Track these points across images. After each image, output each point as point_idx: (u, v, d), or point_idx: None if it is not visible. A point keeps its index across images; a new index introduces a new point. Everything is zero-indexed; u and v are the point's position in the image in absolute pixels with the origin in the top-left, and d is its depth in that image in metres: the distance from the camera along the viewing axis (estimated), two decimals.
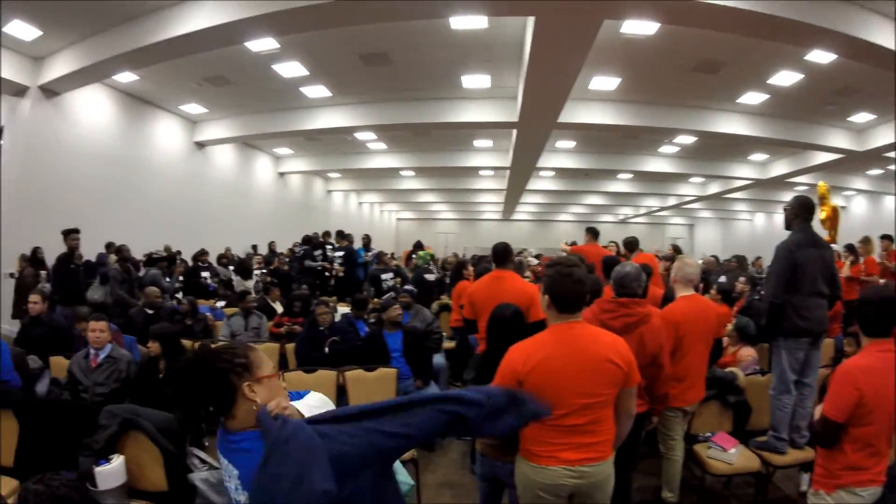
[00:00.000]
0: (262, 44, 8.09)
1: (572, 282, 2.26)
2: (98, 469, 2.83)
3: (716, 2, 5.96)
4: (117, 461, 2.93)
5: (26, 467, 3.23)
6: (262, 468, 1.25)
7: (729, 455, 3.71)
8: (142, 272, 8.67)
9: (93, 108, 10.46)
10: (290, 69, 9.38)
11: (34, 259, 8.22)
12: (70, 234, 7.00)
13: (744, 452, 3.80)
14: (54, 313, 5.46)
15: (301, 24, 7.08)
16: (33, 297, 5.29)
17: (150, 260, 8.76)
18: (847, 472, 2.34)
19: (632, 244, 7.19)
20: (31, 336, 5.15)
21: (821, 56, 8.06)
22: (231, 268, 10.61)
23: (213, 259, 11.67)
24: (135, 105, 11.41)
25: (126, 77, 9.86)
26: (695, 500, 3.93)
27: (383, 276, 8.66)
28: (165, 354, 4.03)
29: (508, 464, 2.50)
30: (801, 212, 3.92)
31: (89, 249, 7.66)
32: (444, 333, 6.92)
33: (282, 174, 18.19)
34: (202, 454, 2.94)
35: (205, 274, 9.77)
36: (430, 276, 8.64)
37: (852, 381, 2.30)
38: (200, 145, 13.60)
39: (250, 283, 8.91)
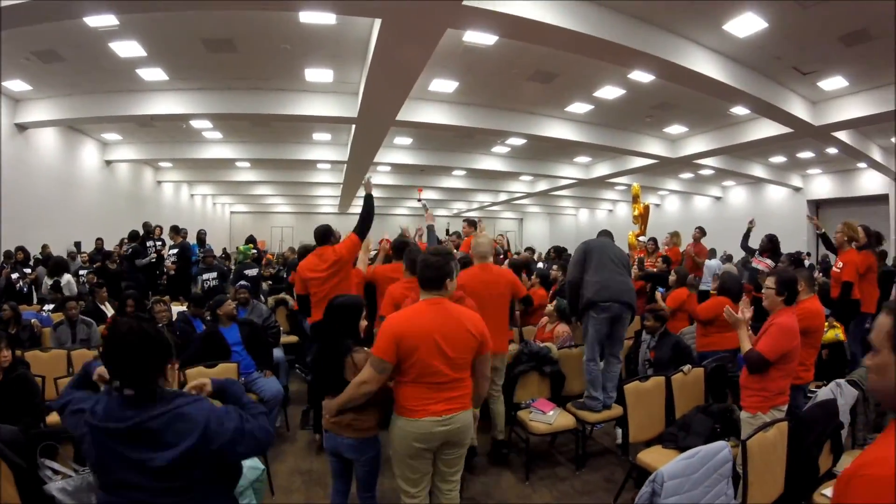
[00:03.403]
0: (101, 20, 7.38)
1: (425, 266, 2.78)
2: None
3: (549, 21, 6.67)
4: None
5: None
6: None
7: (548, 417, 4.35)
8: None
9: None
10: (128, 48, 8.58)
11: None
12: None
13: (562, 414, 4.46)
14: None
15: (143, 3, 6.65)
16: None
17: None
18: (778, 396, 3.32)
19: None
20: None
21: (641, 76, 9.30)
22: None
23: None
24: None
25: None
26: (524, 459, 4.48)
27: (204, 277, 8.42)
28: None
29: (347, 438, 2.87)
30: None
31: None
32: (282, 328, 7.06)
33: (109, 162, 16.48)
34: (55, 465, 2.75)
35: (15, 275, 8.69)
36: (250, 272, 8.39)
37: (788, 334, 3.27)
38: (21, 128, 11.90)
39: (61, 282, 8.31)
